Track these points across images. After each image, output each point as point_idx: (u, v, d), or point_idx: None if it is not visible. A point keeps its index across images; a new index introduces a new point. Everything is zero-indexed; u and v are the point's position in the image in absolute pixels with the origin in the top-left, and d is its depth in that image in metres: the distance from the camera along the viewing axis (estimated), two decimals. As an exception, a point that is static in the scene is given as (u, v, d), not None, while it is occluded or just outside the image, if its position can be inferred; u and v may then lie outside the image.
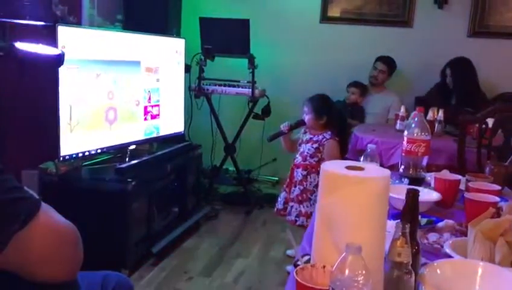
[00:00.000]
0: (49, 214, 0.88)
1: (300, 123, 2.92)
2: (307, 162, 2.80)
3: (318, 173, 2.76)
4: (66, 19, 2.97)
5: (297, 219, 2.76)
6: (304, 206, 2.75)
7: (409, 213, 0.99)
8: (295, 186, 2.80)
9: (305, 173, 2.78)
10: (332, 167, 0.96)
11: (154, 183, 2.88)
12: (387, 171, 0.96)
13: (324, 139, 2.80)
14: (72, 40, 2.44)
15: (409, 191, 1.01)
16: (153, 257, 2.81)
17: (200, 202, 3.59)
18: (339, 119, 2.89)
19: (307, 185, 2.77)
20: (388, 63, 4.00)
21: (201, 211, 3.50)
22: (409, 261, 0.92)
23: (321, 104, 2.85)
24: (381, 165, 2.87)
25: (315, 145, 2.80)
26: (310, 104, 2.85)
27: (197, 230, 3.34)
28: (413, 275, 0.93)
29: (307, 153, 2.81)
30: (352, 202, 0.92)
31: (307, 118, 2.85)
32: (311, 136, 2.85)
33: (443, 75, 3.81)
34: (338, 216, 0.93)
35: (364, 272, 0.79)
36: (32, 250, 0.83)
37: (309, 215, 2.68)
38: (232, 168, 4.15)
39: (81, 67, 2.51)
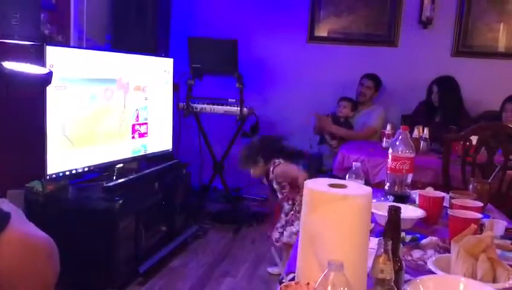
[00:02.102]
0: (19, 227, 0.89)
1: None
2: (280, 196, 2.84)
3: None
4: (54, 39, 2.99)
5: (289, 239, 2.77)
6: (294, 227, 2.76)
7: (391, 230, 1.01)
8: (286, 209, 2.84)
9: (288, 205, 2.81)
10: (315, 185, 0.98)
11: (142, 202, 2.87)
12: (369, 189, 0.97)
13: (271, 175, 2.81)
14: (61, 59, 2.46)
15: (390, 208, 1.02)
16: (140, 277, 2.79)
17: (189, 221, 3.57)
18: (270, 149, 2.88)
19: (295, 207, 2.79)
20: (374, 79, 4.08)
21: (190, 229, 3.49)
22: (391, 277, 0.93)
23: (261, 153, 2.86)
24: (368, 182, 2.91)
25: (275, 187, 2.84)
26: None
27: (185, 249, 3.32)
28: (396, 291, 0.94)
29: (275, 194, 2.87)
30: (334, 219, 0.93)
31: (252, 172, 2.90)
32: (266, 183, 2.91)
33: (429, 92, 3.87)
34: (321, 233, 0.94)
35: (346, 288, 0.81)
36: (0, 263, 0.84)
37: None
38: (220, 186, 4.14)
39: (69, 86, 2.52)
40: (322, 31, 4.42)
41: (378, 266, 0.93)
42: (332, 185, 0.98)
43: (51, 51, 2.39)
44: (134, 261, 2.77)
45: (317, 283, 0.82)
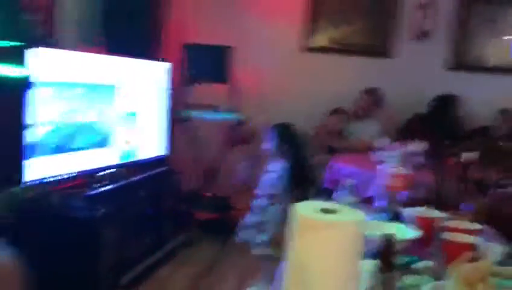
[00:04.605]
0: None
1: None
2: (267, 192, 2.75)
3: (278, 203, 2.74)
4: (44, 40, 2.91)
5: (253, 247, 2.71)
6: (262, 236, 2.70)
7: (385, 262, 0.95)
8: (256, 214, 2.76)
9: (265, 203, 2.74)
10: (305, 210, 0.91)
11: (127, 211, 2.79)
12: (362, 215, 0.91)
13: (282, 170, 2.75)
14: (50, 61, 2.38)
15: (385, 237, 0.96)
16: (123, 288, 2.70)
17: (177, 229, 3.49)
18: (297, 150, 2.83)
19: (266, 215, 2.72)
20: (376, 97, 4.02)
21: (177, 238, 3.41)
22: (384, 311, 0.87)
23: (283, 133, 2.81)
24: (358, 196, 2.85)
25: (274, 175, 2.76)
26: (272, 132, 2.82)
27: (171, 259, 3.24)
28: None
29: (267, 182, 2.77)
30: (325, 247, 0.87)
31: (268, 145, 2.82)
32: (271, 164, 2.82)
33: (429, 107, 3.85)
34: (309, 262, 0.88)
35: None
36: None
37: (265, 246, 2.66)
38: (211, 195, 4.07)
39: (56, 90, 2.44)
40: (317, 41, 4.38)
41: (371, 299, 0.87)
42: (323, 210, 0.92)
43: (34, 53, 2.30)
44: (118, 271, 2.68)
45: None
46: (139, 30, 3.54)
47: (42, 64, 2.35)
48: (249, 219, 2.82)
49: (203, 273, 3.09)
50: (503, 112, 3.67)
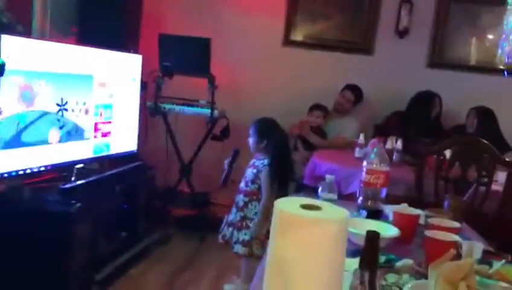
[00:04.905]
0: None
1: (236, 153, 2.89)
2: (248, 188, 2.71)
3: (259, 200, 2.69)
4: (14, 29, 2.79)
5: (234, 245, 2.66)
6: (242, 234, 2.65)
7: (368, 259, 0.90)
8: (236, 212, 2.71)
9: (246, 199, 2.70)
10: (287, 206, 0.86)
11: (101, 205, 2.71)
12: (345, 212, 0.87)
13: (262, 166, 2.71)
14: (18, 50, 2.28)
15: (368, 234, 0.92)
16: (96, 285, 2.62)
17: (152, 226, 3.41)
18: (279, 145, 2.79)
19: (247, 212, 2.68)
20: (356, 94, 4.00)
21: (153, 235, 3.33)
22: (367, 312, 0.83)
23: (264, 128, 2.78)
24: (339, 193, 2.83)
25: (254, 171, 2.72)
26: (253, 127, 2.79)
27: (146, 256, 3.16)
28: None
29: (248, 178, 2.73)
30: (307, 245, 0.82)
31: (250, 140, 2.78)
32: (254, 160, 2.78)
33: (409, 104, 3.85)
34: (291, 260, 0.83)
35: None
36: None
37: (245, 244, 2.63)
38: (187, 191, 3.99)
39: (27, 79, 2.34)
40: (297, 36, 4.34)
41: (354, 300, 0.82)
42: (304, 206, 0.87)
43: (8, 41, 2.21)
44: (91, 268, 2.60)
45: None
46: (114, 20, 3.44)
47: (17, 52, 2.26)
48: (230, 216, 2.77)
49: (178, 272, 3.02)
50: (472, 110, 3.72)
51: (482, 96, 3.84)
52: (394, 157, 3.11)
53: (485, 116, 3.64)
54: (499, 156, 2.61)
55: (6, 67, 2.18)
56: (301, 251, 0.82)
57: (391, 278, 1.28)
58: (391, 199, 2.10)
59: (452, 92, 4.01)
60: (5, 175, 2.31)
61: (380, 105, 4.11)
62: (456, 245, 1.37)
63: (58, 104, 2.55)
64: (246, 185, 2.72)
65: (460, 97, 4.02)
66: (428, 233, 1.44)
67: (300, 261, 0.82)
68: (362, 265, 0.90)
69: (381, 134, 3.51)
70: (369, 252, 0.91)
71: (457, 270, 1.16)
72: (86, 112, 2.77)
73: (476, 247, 1.49)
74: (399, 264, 1.37)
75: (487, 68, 4.06)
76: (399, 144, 3.17)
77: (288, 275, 0.84)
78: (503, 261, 1.36)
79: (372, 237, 0.91)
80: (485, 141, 2.62)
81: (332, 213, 0.86)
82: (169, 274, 2.96)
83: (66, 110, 2.60)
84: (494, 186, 2.67)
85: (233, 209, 2.74)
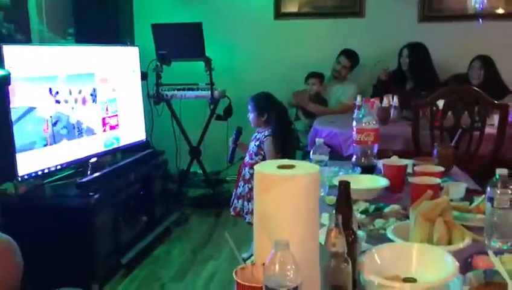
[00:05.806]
0: None
1: (238, 131, 3.02)
2: (253, 161, 2.85)
3: None
4: (13, 37, 2.93)
5: (246, 216, 2.81)
6: (252, 204, 2.80)
7: (341, 204, 1.03)
8: (244, 184, 2.85)
9: (252, 171, 2.83)
10: (263, 167, 0.99)
11: (119, 194, 2.87)
12: (316, 167, 0.99)
13: (263, 137, 2.84)
14: (21, 58, 2.41)
15: (340, 183, 1.04)
16: (123, 268, 2.81)
17: (169, 208, 3.59)
18: (279, 116, 2.92)
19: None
20: (352, 58, 4.06)
21: (171, 217, 3.50)
22: (344, 250, 0.95)
23: (262, 102, 2.90)
24: (341, 155, 2.94)
25: (257, 143, 2.86)
26: (251, 103, 2.91)
27: (167, 237, 3.34)
28: (350, 263, 0.97)
29: (252, 151, 2.86)
30: (283, 199, 0.95)
31: (250, 116, 2.90)
32: (256, 133, 2.91)
33: (399, 56, 3.89)
34: (272, 214, 0.96)
35: (294, 266, 0.83)
36: None
37: None
38: (199, 171, 4.15)
39: (33, 85, 2.48)
40: (288, 7, 4.39)
41: (331, 240, 0.95)
42: (281, 167, 1.00)
43: (9, 51, 2.34)
44: (116, 253, 2.78)
45: (266, 263, 0.84)
46: (108, 16, 3.55)
47: (19, 61, 2.39)
48: (238, 189, 2.92)
49: (199, 247, 3.19)
50: (475, 60, 3.71)
51: (478, 45, 3.87)
52: (392, 114, 3.20)
53: (489, 66, 3.65)
54: (489, 100, 2.68)
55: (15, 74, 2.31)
56: (279, 204, 0.95)
57: (378, 223, 1.41)
58: (390, 154, 2.22)
59: (447, 43, 4.05)
60: (25, 177, 2.47)
61: (377, 65, 4.17)
62: (438, 187, 1.49)
63: (64, 104, 2.69)
64: (251, 158, 2.85)
65: (456, 48, 4.05)
66: (412, 179, 1.56)
67: (279, 213, 0.95)
68: (336, 210, 1.03)
69: (378, 93, 3.59)
70: (341, 197, 1.04)
71: (434, 208, 1.28)
72: (93, 108, 2.91)
73: (459, 187, 1.61)
74: (387, 210, 1.50)
75: (482, 15, 4.05)
76: (395, 101, 3.25)
77: (271, 226, 0.97)
78: (483, 196, 1.48)
79: (343, 185, 1.04)
80: (475, 88, 2.70)
81: (304, 169, 0.99)
82: (190, 251, 3.13)
83: (73, 108, 2.74)
84: (490, 130, 2.76)
85: (241, 183, 2.88)
